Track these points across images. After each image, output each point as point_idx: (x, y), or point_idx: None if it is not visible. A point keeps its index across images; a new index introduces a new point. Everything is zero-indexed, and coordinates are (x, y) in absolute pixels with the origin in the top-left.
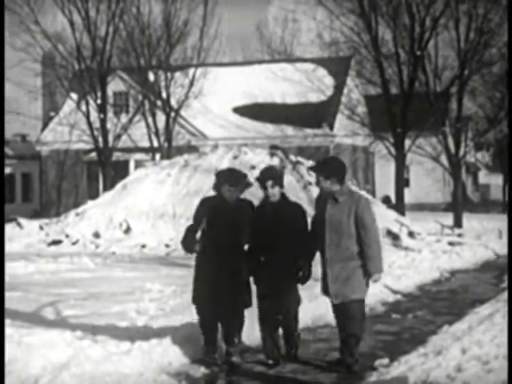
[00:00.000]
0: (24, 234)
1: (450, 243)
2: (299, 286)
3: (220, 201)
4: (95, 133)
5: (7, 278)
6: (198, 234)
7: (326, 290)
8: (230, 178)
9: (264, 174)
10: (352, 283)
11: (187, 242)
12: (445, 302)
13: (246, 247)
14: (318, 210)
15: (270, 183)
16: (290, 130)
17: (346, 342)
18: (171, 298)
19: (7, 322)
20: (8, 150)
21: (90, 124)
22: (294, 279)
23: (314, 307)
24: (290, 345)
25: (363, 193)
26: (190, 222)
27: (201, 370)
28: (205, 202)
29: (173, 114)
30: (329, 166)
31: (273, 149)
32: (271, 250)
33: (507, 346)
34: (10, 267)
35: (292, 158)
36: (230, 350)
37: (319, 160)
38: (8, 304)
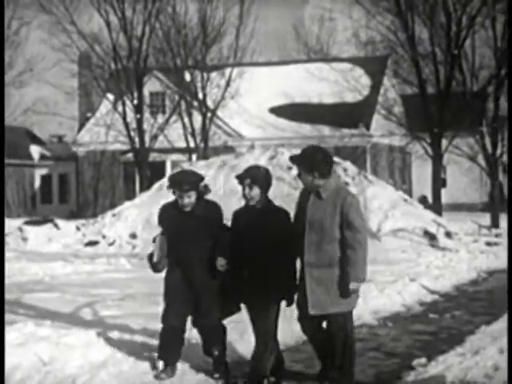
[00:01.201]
0: (61, 234)
1: (488, 243)
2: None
3: (178, 208)
4: (132, 133)
5: (46, 279)
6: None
7: (299, 301)
8: (176, 183)
9: (243, 172)
10: (334, 293)
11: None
12: (482, 302)
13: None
14: (299, 206)
15: (247, 182)
16: (326, 130)
17: (323, 372)
18: None
19: (46, 322)
20: (45, 151)
21: (126, 125)
22: (274, 301)
23: None
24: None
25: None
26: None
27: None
28: (163, 211)
29: (209, 115)
30: (310, 158)
31: None
32: (247, 265)
33: (507, 347)
34: (48, 268)
35: None
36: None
37: (301, 150)
38: (46, 304)
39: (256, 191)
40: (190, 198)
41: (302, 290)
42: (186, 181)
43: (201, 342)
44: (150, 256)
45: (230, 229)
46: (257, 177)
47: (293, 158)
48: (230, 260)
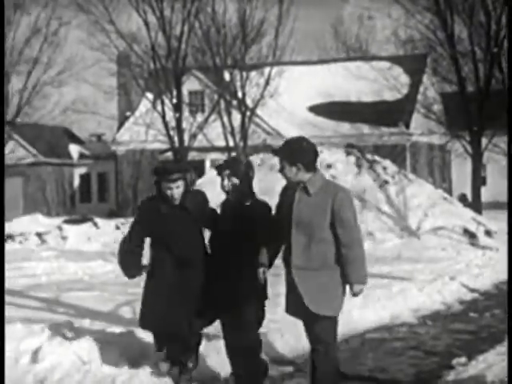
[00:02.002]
0: (100, 233)
1: None
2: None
3: (165, 202)
4: (171, 132)
5: (85, 278)
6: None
7: (291, 309)
8: (165, 173)
9: (222, 163)
10: (324, 297)
11: (127, 264)
12: None
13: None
14: (283, 204)
15: (225, 173)
16: (365, 129)
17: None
18: None
19: (86, 321)
20: (84, 150)
21: (165, 123)
22: (248, 302)
23: (392, 305)
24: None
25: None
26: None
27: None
28: (145, 207)
29: (248, 113)
30: (294, 149)
31: (348, 147)
32: (220, 262)
33: (507, 347)
34: (87, 267)
35: (368, 156)
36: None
37: (285, 141)
38: (85, 303)
39: (235, 182)
40: (178, 189)
41: (291, 295)
42: (175, 169)
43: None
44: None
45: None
46: (235, 168)
47: (275, 151)
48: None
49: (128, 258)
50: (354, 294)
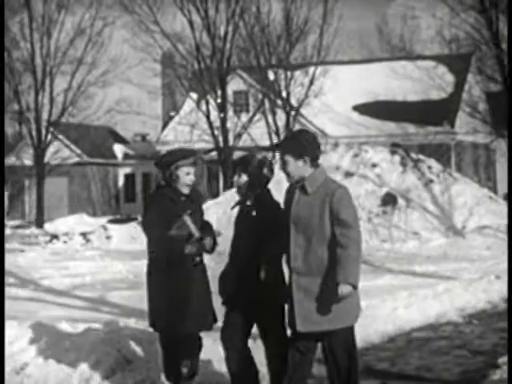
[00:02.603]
0: None
1: None
2: None
3: (176, 194)
4: (215, 132)
5: (130, 277)
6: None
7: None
8: (187, 156)
9: (237, 159)
10: (327, 306)
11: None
12: None
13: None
14: (286, 204)
15: (238, 169)
16: (410, 128)
17: None
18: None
19: (131, 320)
20: (129, 150)
21: (210, 123)
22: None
23: (437, 304)
24: None
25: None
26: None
27: None
28: (168, 198)
29: (293, 113)
30: (301, 142)
31: (394, 147)
32: (232, 264)
33: (507, 346)
34: (131, 266)
35: (413, 155)
36: None
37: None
38: (130, 302)
39: (244, 179)
40: (192, 176)
41: (289, 303)
42: (192, 153)
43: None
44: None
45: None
46: (247, 164)
47: (279, 145)
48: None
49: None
50: (340, 296)
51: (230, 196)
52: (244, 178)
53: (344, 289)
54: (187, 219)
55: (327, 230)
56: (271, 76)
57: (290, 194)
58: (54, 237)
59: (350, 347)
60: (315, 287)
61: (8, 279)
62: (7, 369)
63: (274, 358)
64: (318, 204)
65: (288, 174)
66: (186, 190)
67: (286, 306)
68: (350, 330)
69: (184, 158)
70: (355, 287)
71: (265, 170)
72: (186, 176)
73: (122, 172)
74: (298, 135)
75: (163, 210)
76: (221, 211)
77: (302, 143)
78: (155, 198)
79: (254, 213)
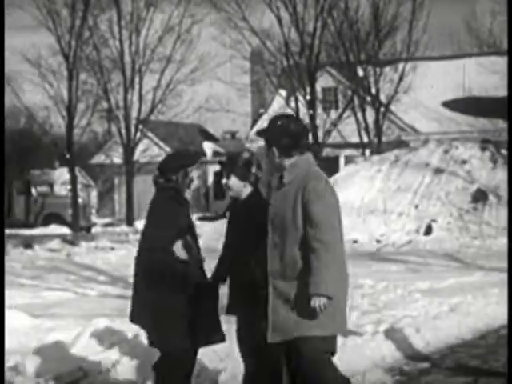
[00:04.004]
0: None
1: None
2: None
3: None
4: None
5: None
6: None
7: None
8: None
9: (221, 162)
10: (302, 312)
11: None
12: None
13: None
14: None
15: (225, 170)
16: (502, 124)
17: None
18: (383, 293)
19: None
20: (218, 148)
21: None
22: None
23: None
24: None
25: None
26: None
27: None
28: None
29: (382, 109)
30: (280, 125)
31: (484, 143)
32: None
33: (507, 343)
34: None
35: (503, 152)
36: None
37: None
38: (223, 299)
39: (232, 181)
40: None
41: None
42: (199, 155)
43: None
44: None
45: None
46: (233, 165)
47: (259, 132)
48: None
49: None
50: (313, 310)
51: None
52: (233, 179)
53: (317, 301)
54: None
55: (300, 226)
56: (360, 72)
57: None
58: None
59: (319, 360)
60: (292, 292)
61: (98, 277)
62: (96, 367)
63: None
64: (292, 195)
65: (271, 164)
66: (188, 196)
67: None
68: (324, 341)
69: (195, 162)
70: (330, 297)
71: (253, 169)
72: (193, 181)
73: (212, 170)
74: (281, 120)
75: (174, 215)
76: None
77: (282, 128)
78: (163, 201)
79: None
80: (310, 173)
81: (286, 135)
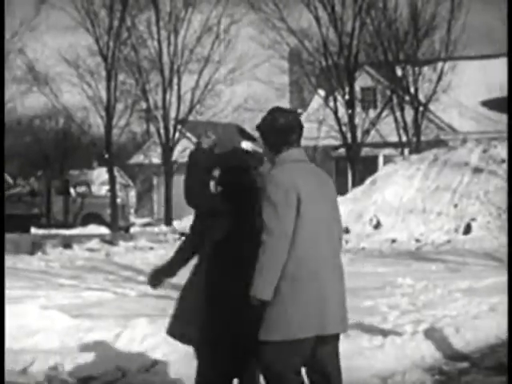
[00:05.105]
0: None
1: None
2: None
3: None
4: (343, 128)
5: None
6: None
7: None
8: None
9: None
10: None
11: None
12: None
13: None
14: None
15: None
16: None
17: None
18: (423, 292)
19: None
20: (256, 147)
21: (338, 120)
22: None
23: None
24: None
25: None
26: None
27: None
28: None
29: (421, 109)
30: (269, 120)
31: None
32: None
33: (507, 344)
34: None
35: None
36: None
37: None
38: None
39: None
40: None
41: None
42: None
43: None
44: None
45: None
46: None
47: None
48: None
49: None
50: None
51: (360, 192)
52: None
53: (253, 301)
54: None
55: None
56: (399, 72)
57: None
58: (183, 234)
59: (267, 368)
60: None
61: (138, 277)
62: (135, 367)
63: None
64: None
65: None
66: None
67: None
68: (270, 347)
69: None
70: (262, 301)
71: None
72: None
73: None
74: (262, 117)
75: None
76: (349, 208)
77: (260, 126)
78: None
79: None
80: (281, 168)
81: (274, 130)
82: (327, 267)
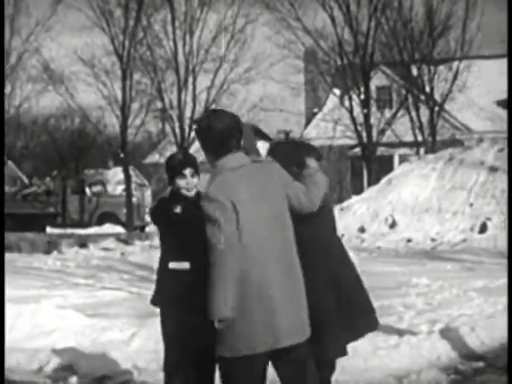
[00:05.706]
0: None
1: None
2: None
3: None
4: (359, 128)
5: None
6: None
7: None
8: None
9: (183, 159)
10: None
11: None
12: None
13: None
14: None
15: (189, 171)
16: None
17: None
18: (438, 292)
19: None
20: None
21: (353, 119)
22: None
23: None
24: None
25: None
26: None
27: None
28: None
29: (437, 108)
30: (204, 125)
31: None
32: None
33: (507, 343)
34: None
35: None
36: None
37: None
38: None
39: (196, 180)
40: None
41: None
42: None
43: None
44: None
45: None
46: (196, 164)
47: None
48: None
49: None
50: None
51: (375, 192)
52: (196, 180)
53: (218, 326)
54: None
55: None
56: (414, 71)
57: None
58: None
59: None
60: None
61: (153, 276)
62: (150, 367)
63: None
64: None
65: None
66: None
67: None
68: (224, 362)
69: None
70: (220, 320)
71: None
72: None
73: None
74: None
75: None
76: (364, 207)
77: (197, 131)
78: None
79: None
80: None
81: (211, 135)
82: (275, 277)
